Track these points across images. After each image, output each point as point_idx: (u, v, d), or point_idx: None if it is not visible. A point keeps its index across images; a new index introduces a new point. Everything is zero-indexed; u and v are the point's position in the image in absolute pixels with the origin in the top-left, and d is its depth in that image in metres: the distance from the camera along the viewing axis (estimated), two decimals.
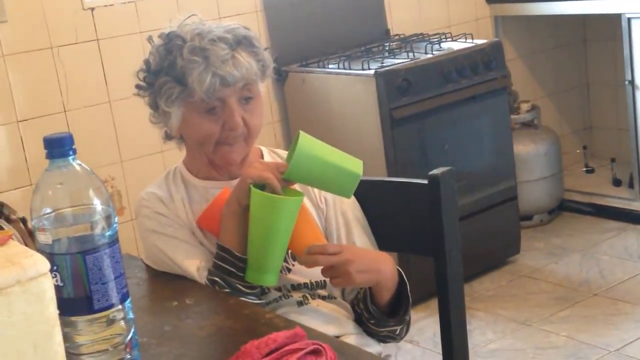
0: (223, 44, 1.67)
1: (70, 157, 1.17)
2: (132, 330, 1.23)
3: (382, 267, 1.68)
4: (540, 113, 4.13)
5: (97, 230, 1.17)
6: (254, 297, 1.64)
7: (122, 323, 1.21)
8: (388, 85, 3.20)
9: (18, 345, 0.96)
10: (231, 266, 1.62)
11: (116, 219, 1.20)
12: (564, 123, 4.54)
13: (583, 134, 4.63)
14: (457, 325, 1.72)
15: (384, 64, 3.31)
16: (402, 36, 3.78)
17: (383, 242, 1.84)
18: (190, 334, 1.43)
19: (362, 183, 1.63)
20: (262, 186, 1.60)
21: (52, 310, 0.98)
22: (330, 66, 3.43)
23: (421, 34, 3.78)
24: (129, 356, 1.22)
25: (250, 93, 1.74)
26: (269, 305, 1.69)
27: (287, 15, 3.55)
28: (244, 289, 1.63)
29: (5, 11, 2.90)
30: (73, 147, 1.17)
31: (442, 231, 1.70)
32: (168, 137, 1.81)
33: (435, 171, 1.71)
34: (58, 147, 1.16)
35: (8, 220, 1.65)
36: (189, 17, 1.76)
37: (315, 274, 1.69)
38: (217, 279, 1.62)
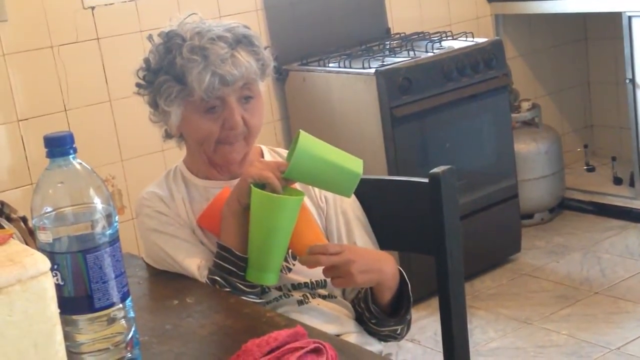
0: (222, 42, 1.67)
1: (71, 156, 1.17)
2: (133, 329, 1.23)
3: (383, 267, 1.68)
4: (541, 111, 4.13)
5: (98, 229, 1.17)
6: (254, 297, 1.64)
7: (123, 322, 1.21)
8: (389, 83, 3.20)
9: (19, 344, 0.96)
10: (232, 265, 1.62)
11: (117, 217, 1.20)
12: (565, 121, 4.54)
13: (584, 133, 4.62)
14: (458, 324, 1.72)
15: (384, 63, 3.31)
16: (402, 35, 3.78)
17: (384, 240, 1.84)
18: (191, 333, 1.43)
19: (363, 182, 1.63)
20: (263, 185, 1.60)
21: (53, 309, 0.98)
22: (330, 65, 3.43)
23: (422, 32, 3.77)
24: (130, 355, 1.22)
25: (250, 92, 1.73)
26: (269, 304, 1.69)
27: (287, 14, 3.55)
28: (244, 288, 1.62)
29: (5, 10, 2.90)
30: (74, 146, 1.17)
31: (443, 230, 1.70)
32: (168, 135, 1.81)
33: (436, 170, 1.71)
34: (59, 146, 1.16)
35: (9, 219, 1.65)
36: (189, 15, 1.76)
37: (315, 273, 1.69)
38: (217, 278, 1.62)
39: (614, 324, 3.07)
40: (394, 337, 1.78)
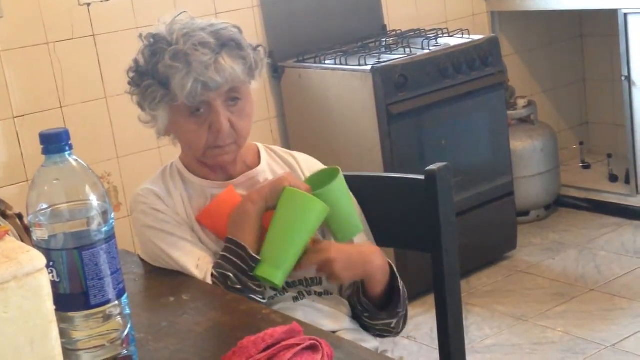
0: (206, 49, 1.65)
1: (67, 153, 1.16)
2: (129, 326, 1.23)
3: (369, 261, 1.70)
4: (537, 109, 4.13)
5: (94, 226, 1.16)
6: (261, 297, 1.64)
7: (119, 319, 1.20)
8: (385, 80, 3.20)
9: (15, 341, 0.95)
10: (244, 263, 1.62)
11: (112, 214, 1.20)
12: (561, 119, 4.54)
13: (579, 130, 4.63)
14: (453, 321, 1.72)
15: (380, 60, 3.31)
16: (398, 32, 3.78)
17: (380, 237, 1.84)
18: (186, 330, 1.43)
19: (359, 178, 1.64)
20: None
21: (49, 306, 0.98)
22: (326, 62, 3.43)
23: (418, 29, 3.78)
24: (126, 352, 1.22)
25: (237, 94, 1.72)
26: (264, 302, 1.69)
27: (283, 11, 3.55)
28: (255, 287, 1.63)
29: (0, 7, 2.89)
30: (69, 142, 1.16)
31: (439, 227, 1.70)
32: (160, 133, 1.81)
33: (431, 167, 1.71)
34: (54, 143, 1.16)
35: (4, 216, 1.65)
36: (178, 15, 1.74)
37: (309, 270, 1.71)
38: (230, 274, 1.62)
39: (609, 321, 3.08)
40: (389, 331, 1.78)
